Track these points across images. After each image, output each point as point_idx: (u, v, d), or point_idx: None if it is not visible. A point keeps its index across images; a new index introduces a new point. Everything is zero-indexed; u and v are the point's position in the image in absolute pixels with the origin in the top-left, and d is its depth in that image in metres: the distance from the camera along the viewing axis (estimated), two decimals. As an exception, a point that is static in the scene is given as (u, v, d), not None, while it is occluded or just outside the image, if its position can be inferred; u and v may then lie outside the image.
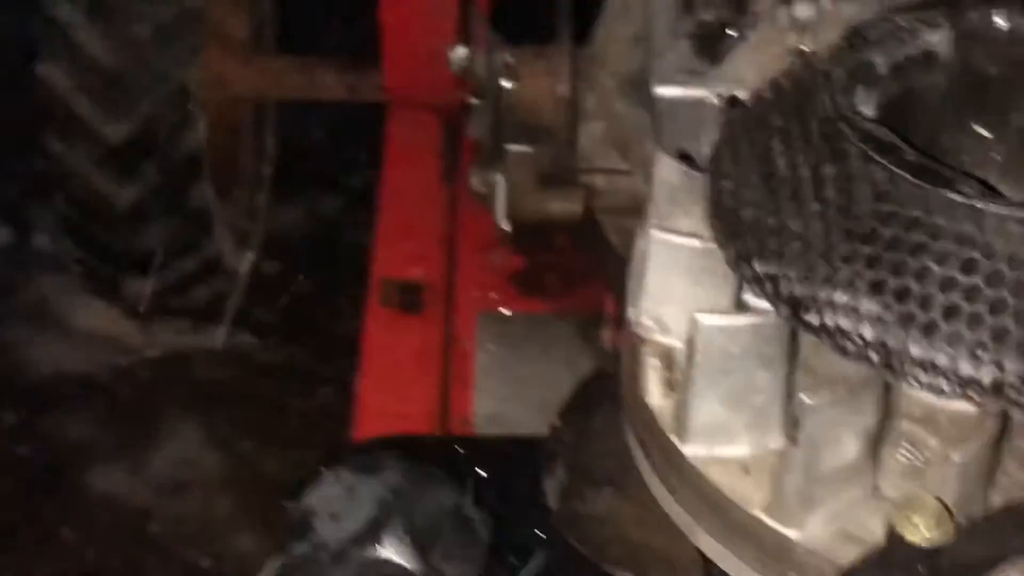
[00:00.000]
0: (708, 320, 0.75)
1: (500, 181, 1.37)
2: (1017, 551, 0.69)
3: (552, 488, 0.97)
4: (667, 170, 0.85)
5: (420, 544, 0.83)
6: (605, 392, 0.99)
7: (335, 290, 2.16)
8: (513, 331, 1.41)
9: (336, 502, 0.85)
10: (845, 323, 0.72)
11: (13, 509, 1.89)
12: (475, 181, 1.44)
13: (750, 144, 0.81)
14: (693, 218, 0.83)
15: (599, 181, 1.38)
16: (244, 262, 2.11)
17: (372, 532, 0.83)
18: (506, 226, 1.43)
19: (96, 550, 1.84)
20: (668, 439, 0.80)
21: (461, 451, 0.99)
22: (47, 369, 2.10)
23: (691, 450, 0.79)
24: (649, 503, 0.88)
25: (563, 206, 1.38)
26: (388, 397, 1.37)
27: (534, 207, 1.39)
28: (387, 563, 0.82)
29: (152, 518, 1.89)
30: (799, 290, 0.73)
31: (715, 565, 0.83)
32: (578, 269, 1.38)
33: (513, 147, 1.37)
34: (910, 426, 0.75)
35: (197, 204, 1.88)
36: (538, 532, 0.92)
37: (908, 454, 0.75)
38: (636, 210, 1.11)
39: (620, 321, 1.00)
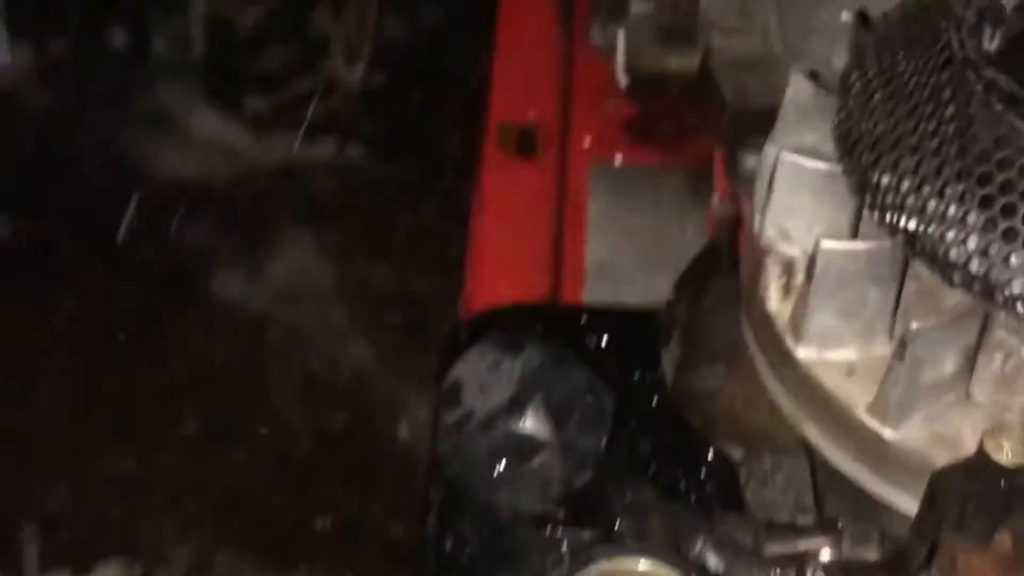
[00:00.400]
0: (828, 244, 0.83)
1: (620, 36, 1.43)
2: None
3: (668, 362, 1.07)
4: (798, 88, 0.92)
5: (556, 419, 0.93)
6: (718, 267, 1.07)
7: (440, 104, 2.23)
8: (624, 182, 1.49)
9: (483, 376, 0.95)
10: (951, 243, 0.79)
11: (141, 317, 2.03)
12: (596, 35, 1.49)
13: (879, 68, 0.87)
14: (820, 135, 0.90)
15: (717, 39, 1.43)
16: (354, 77, 2.19)
17: (516, 407, 0.93)
18: (624, 80, 1.50)
19: (220, 356, 1.98)
20: (782, 339, 0.89)
21: (583, 320, 1.08)
22: (165, 175, 2.20)
23: (803, 352, 0.88)
24: (757, 385, 0.98)
25: (681, 62, 1.43)
26: (505, 236, 1.46)
27: (652, 62, 1.44)
28: (528, 436, 0.92)
29: (270, 326, 2.02)
30: (909, 201, 0.81)
31: (816, 450, 0.93)
32: (690, 121, 1.44)
33: (636, 3, 1.42)
34: (1007, 336, 0.83)
35: (314, 26, 1.94)
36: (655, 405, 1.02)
37: (1002, 362, 0.84)
38: (751, 65, 1.17)
39: (728, 176, 1.07)
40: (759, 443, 0.98)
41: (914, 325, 0.80)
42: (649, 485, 0.93)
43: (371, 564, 1.76)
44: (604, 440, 0.96)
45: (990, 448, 0.76)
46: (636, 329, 1.09)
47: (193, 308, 2.04)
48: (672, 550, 0.85)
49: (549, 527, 0.94)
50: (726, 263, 1.07)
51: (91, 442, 1.89)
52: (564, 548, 0.93)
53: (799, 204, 0.89)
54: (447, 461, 0.97)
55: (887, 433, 0.84)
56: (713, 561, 0.89)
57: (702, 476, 0.97)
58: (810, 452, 0.94)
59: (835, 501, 0.93)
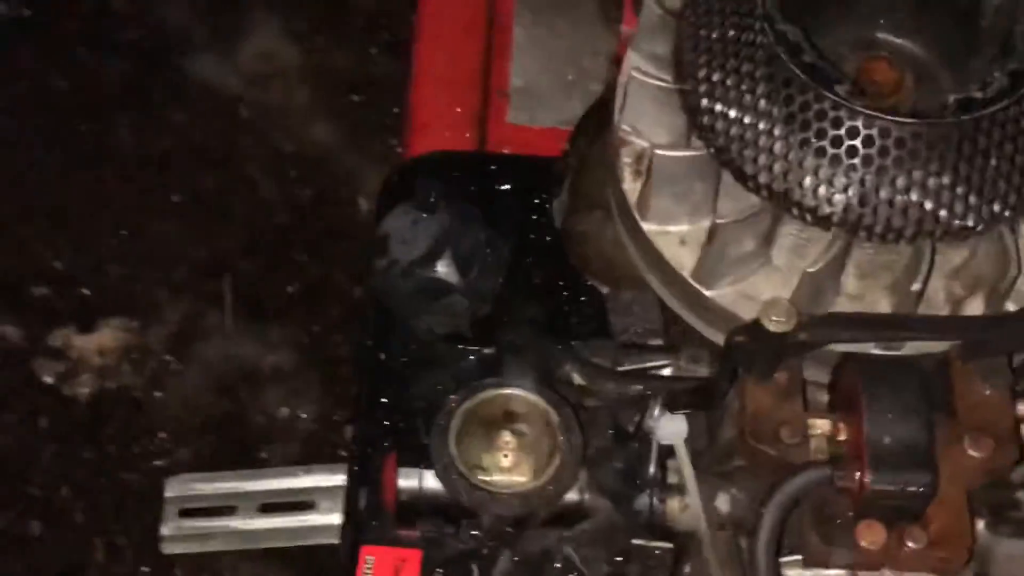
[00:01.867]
0: (661, 152, 1.08)
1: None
2: (846, 340, 1.05)
3: (558, 207, 1.32)
4: (650, 10, 1.14)
5: (462, 269, 1.20)
6: (608, 120, 1.30)
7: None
8: (546, 7, 1.69)
9: (405, 232, 1.21)
10: (748, 159, 1.04)
11: (129, 88, 2.24)
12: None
13: (707, 7, 1.09)
14: (665, 51, 1.13)
15: None
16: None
17: (431, 258, 1.19)
18: None
19: (199, 131, 2.21)
20: (632, 213, 1.14)
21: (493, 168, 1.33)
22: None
23: (647, 226, 1.14)
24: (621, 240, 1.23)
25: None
26: (441, 61, 1.67)
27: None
28: (440, 280, 1.19)
29: (242, 104, 2.24)
30: (719, 124, 1.05)
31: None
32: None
33: None
34: (794, 223, 1.09)
35: None
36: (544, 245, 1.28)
37: (795, 234, 1.10)
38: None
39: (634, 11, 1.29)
40: (624, 281, 1.25)
41: (719, 220, 1.06)
42: (529, 323, 1.20)
43: (334, 320, 2.05)
44: (500, 282, 1.23)
45: (763, 320, 1.03)
46: (536, 176, 1.34)
47: (173, 86, 2.25)
48: (543, 379, 1.13)
49: (458, 345, 1.22)
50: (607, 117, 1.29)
51: (84, 211, 2.13)
52: (469, 360, 1.20)
53: (646, 109, 1.13)
54: (380, 295, 1.24)
55: (705, 291, 1.11)
56: (578, 378, 1.17)
57: (577, 306, 1.24)
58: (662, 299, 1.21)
59: (676, 331, 1.21)
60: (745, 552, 1.07)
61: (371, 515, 1.17)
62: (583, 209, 1.29)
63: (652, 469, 1.09)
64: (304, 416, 1.97)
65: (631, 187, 1.15)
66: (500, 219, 1.27)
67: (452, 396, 1.10)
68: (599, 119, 1.31)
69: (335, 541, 1.32)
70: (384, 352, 1.25)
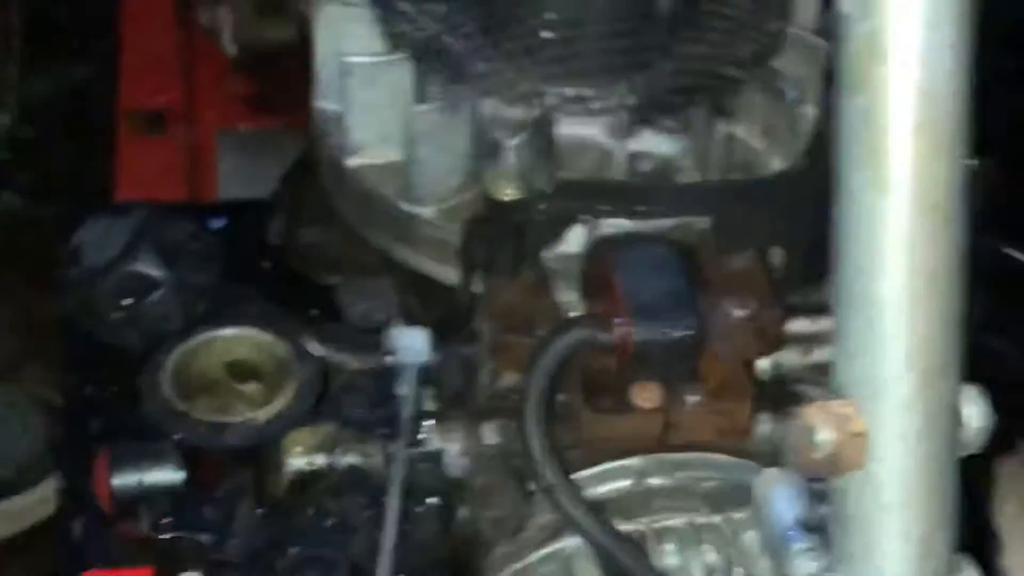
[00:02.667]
0: (357, 58, 1.04)
1: (223, 12, 1.63)
2: (581, 211, 1.00)
3: (274, 230, 1.25)
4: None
5: (166, 260, 1.09)
6: (312, 164, 1.26)
7: (91, 152, 2.36)
8: (249, 145, 1.67)
9: (97, 238, 1.11)
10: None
11: None
12: (203, 16, 1.69)
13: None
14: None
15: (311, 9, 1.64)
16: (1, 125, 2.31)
17: (129, 252, 1.08)
18: (233, 53, 1.69)
19: None
20: (343, 164, 1.08)
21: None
22: None
23: (351, 161, 1.08)
24: (347, 233, 1.17)
25: (279, 32, 1.63)
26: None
27: (254, 34, 1.65)
28: (143, 274, 1.08)
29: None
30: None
31: (396, 263, 1.12)
32: (303, 90, 1.62)
33: (231, -19, 1.62)
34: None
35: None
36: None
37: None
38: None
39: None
40: (350, 270, 1.17)
41: (416, 109, 1.01)
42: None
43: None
44: (214, 279, 1.13)
45: (493, 192, 0.97)
46: (248, 213, 1.27)
47: None
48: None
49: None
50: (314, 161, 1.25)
51: None
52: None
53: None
54: (74, 315, 1.11)
55: (416, 210, 1.04)
56: (317, 346, 1.05)
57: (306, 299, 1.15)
58: (389, 263, 1.13)
59: (413, 299, 1.13)
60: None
61: (88, 541, 1.00)
62: (302, 227, 1.23)
63: (406, 404, 0.97)
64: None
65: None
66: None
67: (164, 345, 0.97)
68: (305, 163, 1.28)
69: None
70: (90, 385, 1.10)
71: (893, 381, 0.58)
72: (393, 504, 0.91)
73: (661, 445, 0.96)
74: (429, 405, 1.00)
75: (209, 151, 1.66)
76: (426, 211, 1.04)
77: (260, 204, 1.27)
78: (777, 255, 1.03)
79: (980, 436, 0.61)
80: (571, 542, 0.98)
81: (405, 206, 1.05)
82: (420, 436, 0.98)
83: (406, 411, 0.97)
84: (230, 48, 1.69)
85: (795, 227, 1.00)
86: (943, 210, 0.56)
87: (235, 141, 1.66)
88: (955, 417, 0.60)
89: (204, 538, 0.91)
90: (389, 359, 1.00)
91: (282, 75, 1.71)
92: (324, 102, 1.12)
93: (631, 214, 1.00)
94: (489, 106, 1.06)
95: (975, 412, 0.61)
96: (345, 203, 1.12)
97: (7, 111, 2.32)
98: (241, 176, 1.64)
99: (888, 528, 0.60)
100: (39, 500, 1.73)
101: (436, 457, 0.95)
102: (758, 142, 1.08)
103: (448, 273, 1.06)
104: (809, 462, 0.59)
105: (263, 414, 0.93)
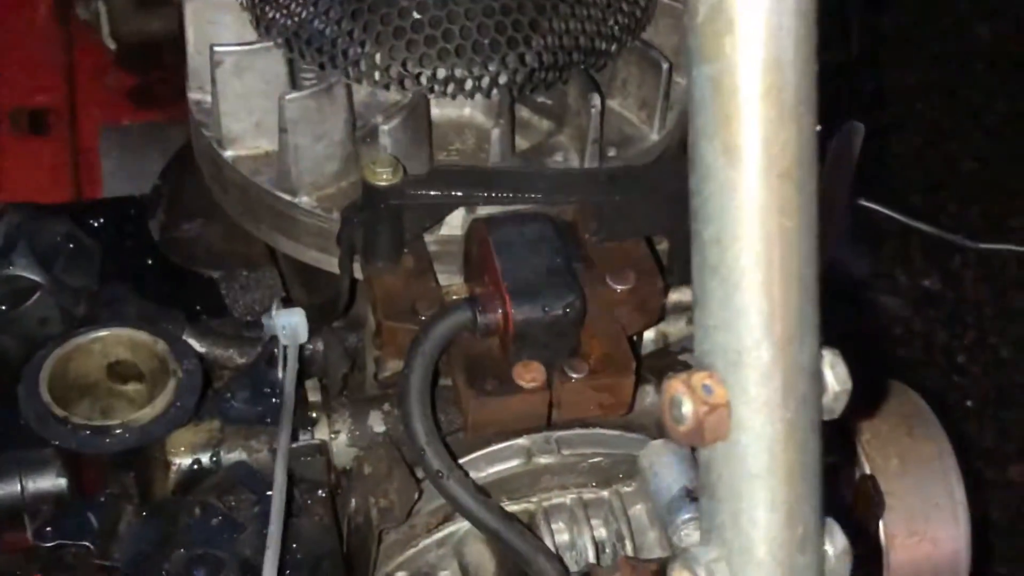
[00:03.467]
0: (225, 48, 1.02)
1: (101, 6, 1.60)
2: (458, 198, 0.99)
3: (155, 225, 1.22)
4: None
5: (43, 262, 1.07)
6: (189, 161, 1.24)
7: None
8: (133, 139, 1.64)
9: (-32, 242, 1.08)
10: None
11: None
12: (81, 10, 1.65)
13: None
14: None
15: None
16: None
17: (3, 255, 1.06)
18: (112, 46, 1.66)
19: None
20: (219, 156, 1.07)
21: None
22: None
23: (228, 152, 1.06)
24: (230, 225, 1.15)
25: (163, 24, 1.61)
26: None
27: (136, 27, 1.63)
28: (19, 277, 1.06)
29: None
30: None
31: (280, 254, 1.11)
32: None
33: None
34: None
35: None
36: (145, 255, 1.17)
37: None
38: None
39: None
40: (235, 263, 1.15)
41: (287, 97, 0.99)
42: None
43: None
44: (94, 280, 1.11)
45: (369, 176, 0.96)
46: (127, 209, 1.24)
47: None
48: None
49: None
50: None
51: None
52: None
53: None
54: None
55: (292, 199, 1.03)
56: (198, 344, 1.04)
57: (184, 294, 1.13)
58: (274, 256, 1.12)
59: (298, 288, 1.12)
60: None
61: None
62: (182, 222, 1.20)
63: (287, 386, 0.96)
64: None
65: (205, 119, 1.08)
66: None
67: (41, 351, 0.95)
68: (183, 160, 1.27)
69: None
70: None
71: (752, 350, 0.58)
72: (279, 498, 0.89)
73: (547, 423, 0.96)
74: (314, 395, 0.99)
75: (92, 149, 1.63)
76: (304, 200, 1.03)
77: (140, 200, 1.25)
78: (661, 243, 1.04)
79: (842, 400, 0.61)
80: (461, 525, 0.98)
81: (283, 196, 1.03)
82: (306, 427, 0.98)
83: (289, 400, 0.95)
84: (109, 42, 1.67)
85: (678, 217, 1.00)
86: (794, 177, 0.56)
87: (119, 136, 1.63)
88: (817, 383, 0.60)
89: (88, 544, 0.89)
90: (269, 344, 0.99)
91: (164, 67, 1.69)
92: (197, 93, 1.10)
93: (506, 201, 1.00)
94: (362, 91, 1.05)
95: (836, 376, 0.61)
96: (224, 195, 1.10)
97: None
98: (125, 171, 1.61)
99: (755, 496, 0.60)
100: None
101: (322, 448, 0.94)
102: (634, 115, 1.08)
103: (331, 262, 1.05)
104: (676, 434, 0.58)
105: (145, 415, 0.92)
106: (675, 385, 0.58)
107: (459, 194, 0.99)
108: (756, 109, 0.56)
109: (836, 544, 0.63)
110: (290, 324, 0.96)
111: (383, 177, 0.96)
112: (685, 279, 1.03)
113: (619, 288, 0.98)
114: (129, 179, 1.57)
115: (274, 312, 0.96)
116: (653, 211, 0.99)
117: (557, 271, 0.94)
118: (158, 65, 1.68)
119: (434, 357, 0.92)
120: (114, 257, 1.15)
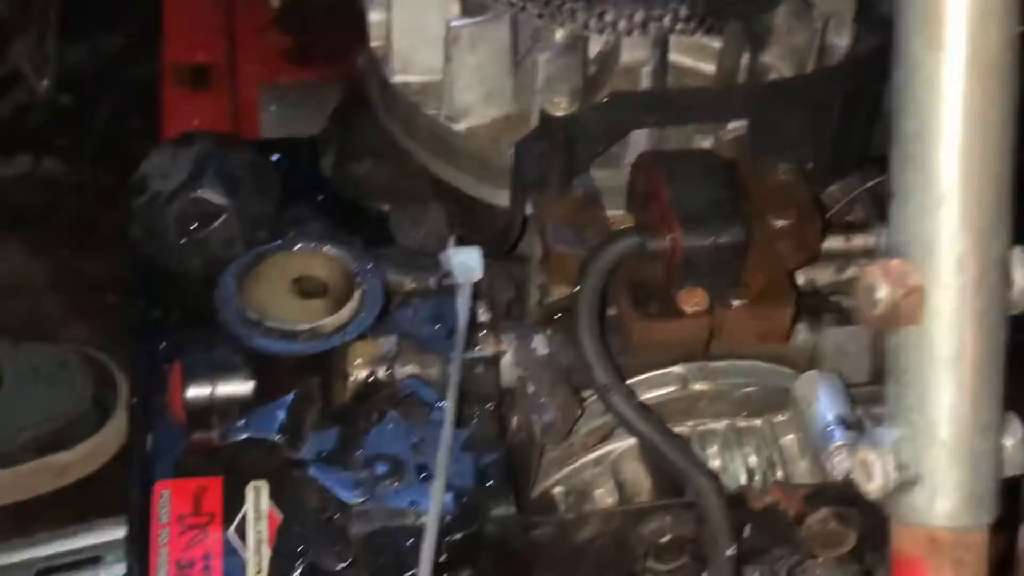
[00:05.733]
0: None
1: (264, -33, 1.68)
2: (632, 122, 1.04)
3: (326, 163, 1.28)
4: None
5: (229, 187, 1.13)
6: (358, 101, 1.29)
7: (128, 118, 2.41)
8: (291, 96, 1.71)
9: (163, 166, 1.15)
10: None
11: None
12: (244, -28, 1.74)
13: None
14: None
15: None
16: (41, 95, 2.35)
17: (193, 179, 1.13)
18: (275, 6, 1.74)
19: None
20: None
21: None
22: None
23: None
24: (398, 165, 1.21)
25: (321, -13, 1.68)
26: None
27: (299, -12, 1.71)
28: (206, 200, 1.12)
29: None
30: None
31: (444, 183, 1.16)
32: (341, 43, 1.66)
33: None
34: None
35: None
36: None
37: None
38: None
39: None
40: (403, 198, 1.21)
41: (453, 23, 1.04)
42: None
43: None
44: (274, 206, 1.17)
45: (548, 108, 1.01)
46: (300, 148, 1.31)
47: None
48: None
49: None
50: (362, 98, 1.29)
51: None
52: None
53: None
54: (140, 243, 1.15)
55: (456, 126, 1.08)
56: (389, 275, 1.09)
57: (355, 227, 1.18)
58: (439, 188, 1.17)
59: (461, 225, 1.17)
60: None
61: (160, 454, 1.04)
62: (352, 160, 1.26)
63: (461, 316, 1.01)
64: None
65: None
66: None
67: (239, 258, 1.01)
68: (352, 99, 1.32)
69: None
70: (157, 310, 1.15)
71: (948, 239, 0.62)
72: (451, 406, 0.94)
73: (706, 350, 1.00)
74: (483, 316, 1.04)
75: (251, 104, 1.70)
76: (464, 126, 1.07)
77: (311, 141, 1.31)
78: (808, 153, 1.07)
79: (1026, 296, 0.65)
80: (618, 445, 1.03)
81: (445, 122, 1.07)
82: (474, 347, 1.03)
83: (461, 333, 1.00)
84: (273, 2, 1.75)
85: (823, 124, 1.04)
86: (998, 72, 0.60)
87: (276, 92, 1.71)
88: (1006, 276, 0.64)
89: (277, 439, 0.95)
90: (444, 279, 1.04)
91: (321, 28, 1.77)
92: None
93: (681, 121, 1.04)
94: (533, 20, 1.09)
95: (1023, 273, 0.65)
96: (391, 122, 1.15)
97: (47, 79, 2.37)
98: (283, 126, 1.68)
99: (942, 381, 0.64)
100: (85, 456, 1.77)
101: (493, 361, 0.99)
102: (786, 69, 1.11)
103: (489, 192, 1.10)
104: (869, 319, 0.62)
105: (331, 322, 0.97)
106: (872, 271, 0.62)
107: (634, 119, 1.03)
108: (963, 4, 0.59)
109: (1014, 435, 0.66)
110: (465, 262, 1.01)
111: (561, 107, 1.00)
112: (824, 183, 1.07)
113: (780, 223, 1.02)
114: (286, 133, 1.65)
115: (450, 250, 1.02)
116: (808, 121, 1.02)
117: (724, 202, 0.99)
118: (315, 26, 1.76)
119: (603, 278, 0.96)
120: (289, 191, 1.21)
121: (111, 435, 1.78)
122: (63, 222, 2.30)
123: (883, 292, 0.62)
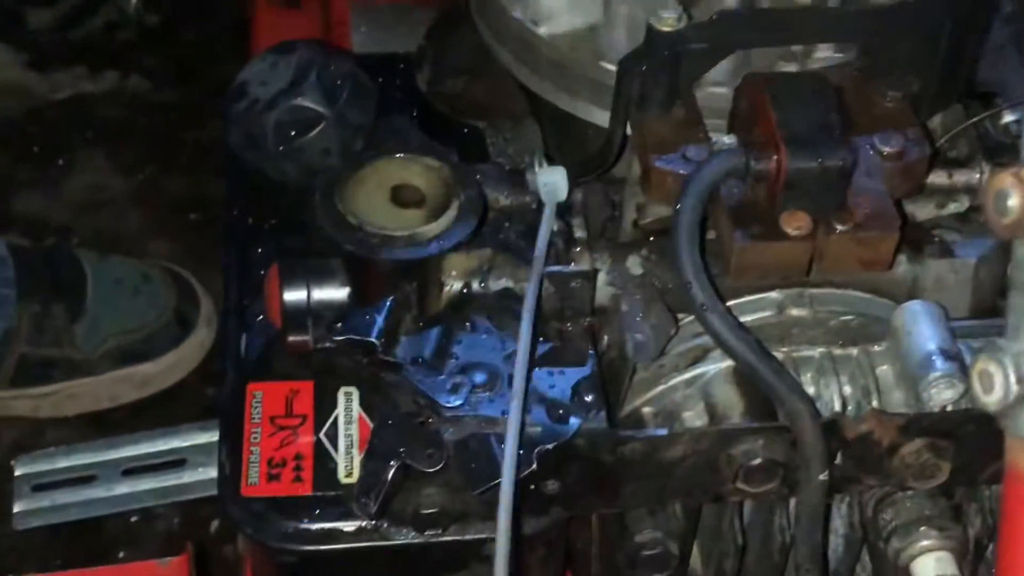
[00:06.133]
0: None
1: None
2: (740, 41, 1.02)
3: (421, 78, 1.28)
4: None
5: (329, 96, 1.13)
6: (454, 21, 1.29)
7: (215, 39, 2.42)
8: (382, 18, 1.71)
9: (264, 73, 1.15)
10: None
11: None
12: None
13: None
14: None
15: None
16: (130, 8, 2.38)
17: (294, 87, 1.13)
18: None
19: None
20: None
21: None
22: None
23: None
24: (493, 83, 1.20)
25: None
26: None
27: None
28: (306, 108, 1.13)
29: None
30: None
31: (539, 100, 1.15)
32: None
33: None
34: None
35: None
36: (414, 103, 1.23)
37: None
38: None
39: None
40: (497, 115, 1.21)
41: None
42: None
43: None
44: (371, 119, 1.17)
45: (655, 24, 1.00)
46: (397, 63, 1.31)
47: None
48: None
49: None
50: (458, 18, 1.28)
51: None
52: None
53: None
54: (239, 149, 1.16)
55: (540, 30, 1.08)
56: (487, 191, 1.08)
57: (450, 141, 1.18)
58: (531, 100, 1.17)
59: (555, 144, 1.17)
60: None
61: (253, 355, 1.05)
62: (447, 77, 1.27)
63: (542, 234, 1.00)
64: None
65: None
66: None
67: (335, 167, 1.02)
68: (448, 19, 1.32)
69: (212, 493, 1.18)
70: (253, 216, 1.15)
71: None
72: (527, 318, 0.94)
73: (806, 276, 0.99)
74: (579, 231, 1.04)
75: (343, 24, 1.70)
76: (546, 31, 1.07)
77: (407, 56, 1.31)
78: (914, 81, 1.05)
79: None
80: (711, 367, 1.02)
81: (530, 25, 1.07)
82: (570, 262, 1.03)
83: (541, 253, 0.99)
84: (371, -76, 1.74)
85: (932, 51, 1.02)
86: None
87: (368, 14, 1.70)
88: None
89: (374, 341, 0.95)
90: (531, 198, 1.04)
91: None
92: None
93: (789, 41, 1.02)
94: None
95: None
96: (482, 25, 1.16)
97: (135, -5, 2.39)
98: (375, 46, 1.68)
99: (1066, 293, 0.63)
100: (165, 368, 1.80)
101: (590, 275, 0.99)
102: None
103: (585, 109, 1.09)
104: (999, 227, 0.61)
105: (430, 229, 0.97)
106: (1003, 178, 0.61)
107: (743, 38, 1.02)
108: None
109: None
110: (551, 182, 1.01)
111: (668, 22, 0.99)
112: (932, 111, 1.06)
113: (887, 150, 1.00)
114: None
115: (537, 169, 1.01)
116: (918, 46, 1.00)
117: (830, 126, 0.97)
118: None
119: (704, 197, 0.96)
120: (386, 103, 1.21)
121: (192, 349, 1.80)
122: (148, 140, 2.32)
123: (1016, 199, 0.61)
